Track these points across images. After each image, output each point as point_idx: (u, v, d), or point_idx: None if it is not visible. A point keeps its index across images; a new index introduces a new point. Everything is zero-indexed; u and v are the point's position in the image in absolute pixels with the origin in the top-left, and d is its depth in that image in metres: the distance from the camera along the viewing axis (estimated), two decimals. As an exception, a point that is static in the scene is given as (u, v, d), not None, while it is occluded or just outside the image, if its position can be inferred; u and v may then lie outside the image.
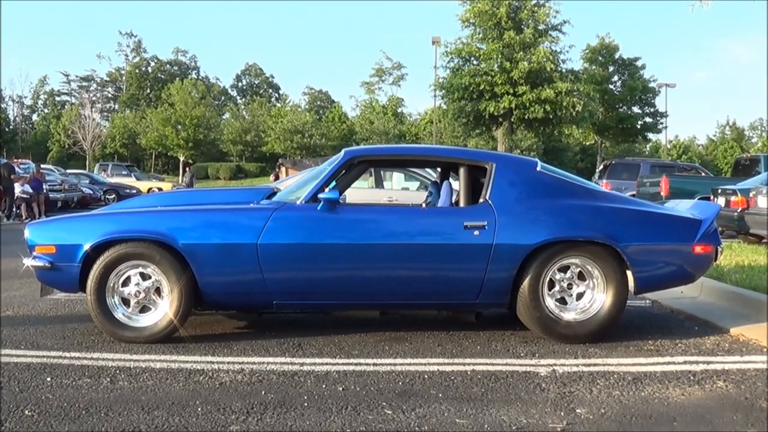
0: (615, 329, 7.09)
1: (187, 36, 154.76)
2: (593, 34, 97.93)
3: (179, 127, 77.39)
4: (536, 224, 6.84)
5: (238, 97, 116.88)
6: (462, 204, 7.24)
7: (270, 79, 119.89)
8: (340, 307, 7.57)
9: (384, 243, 6.78)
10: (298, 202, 6.92)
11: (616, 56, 59.97)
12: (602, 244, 6.85)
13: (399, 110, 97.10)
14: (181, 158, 76.70)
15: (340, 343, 6.87)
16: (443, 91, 45.64)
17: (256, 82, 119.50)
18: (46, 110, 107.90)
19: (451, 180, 7.89)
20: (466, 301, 6.96)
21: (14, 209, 25.94)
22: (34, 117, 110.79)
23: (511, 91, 42.47)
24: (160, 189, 42.71)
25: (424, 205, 8.35)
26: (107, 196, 38.85)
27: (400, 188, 18.92)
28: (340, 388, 5.46)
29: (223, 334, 7.23)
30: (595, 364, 6.21)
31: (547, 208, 6.94)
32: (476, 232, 6.74)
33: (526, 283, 6.80)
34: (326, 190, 6.87)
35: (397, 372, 5.90)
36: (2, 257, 13.76)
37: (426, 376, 5.78)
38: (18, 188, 26.08)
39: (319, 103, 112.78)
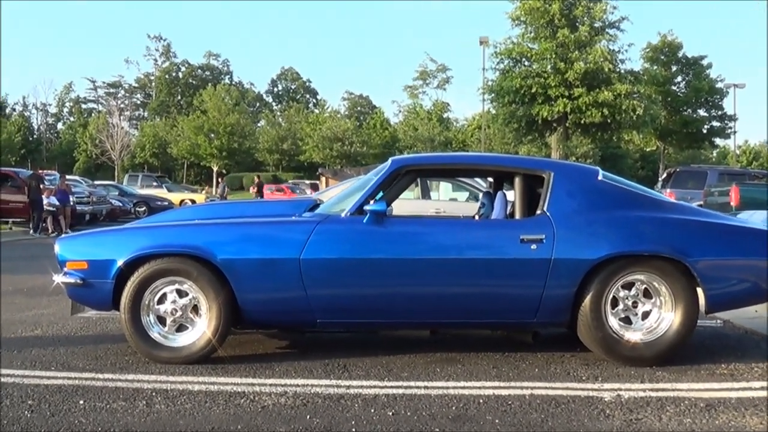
0: (684, 351, 7.02)
1: (220, 39, 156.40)
2: (654, 31, 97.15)
3: (212, 135, 78.10)
4: (598, 237, 6.79)
5: (273, 103, 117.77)
6: (517, 216, 7.21)
7: (307, 84, 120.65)
8: (388, 326, 7.58)
9: (434, 258, 6.78)
10: (343, 215, 6.94)
11: (680, 55, 59.16)
12: (670, 259, 6.77)
13: (445, 116, 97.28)
14: (215, 168, 77.36)
15: (389, 364, 6.88)
16: (492, 94, 45.59)
17: (293, 87, 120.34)
18: (71, 118, 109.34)
19: (504, 190, 7.88)
20: (522, 320, 6.93)
21: (41, 222, 26.23)
22: (60, 125, 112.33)
23: (566, 93, 42.34)
24: (193, 201, 43.03)
25: (476, 217, 8.34)
26: (137, 209, 39.18)
27: (447, 199, 18.88)
28: (390, 413, 5.46)
29: (265, 355, 7.27)
30: (663, 389, 6.15)
31: (610, 220, 6.89)
32: (533, 246, 6.71)
33: (587, 300, 6.75)
34: (372, 201, 6.89)
35: (450, 396, 5.89)
36: (30, 273, 13.95)
37: (481, 401, 5.76)
38: (43, 200, 26.44)
39: (359, 108, 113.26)
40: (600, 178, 7.24)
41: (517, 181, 7.29)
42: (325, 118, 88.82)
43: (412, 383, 6.23)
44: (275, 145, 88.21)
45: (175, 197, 44.54)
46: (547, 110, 42.67)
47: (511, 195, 7.52)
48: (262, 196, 42.72)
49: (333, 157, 79.33)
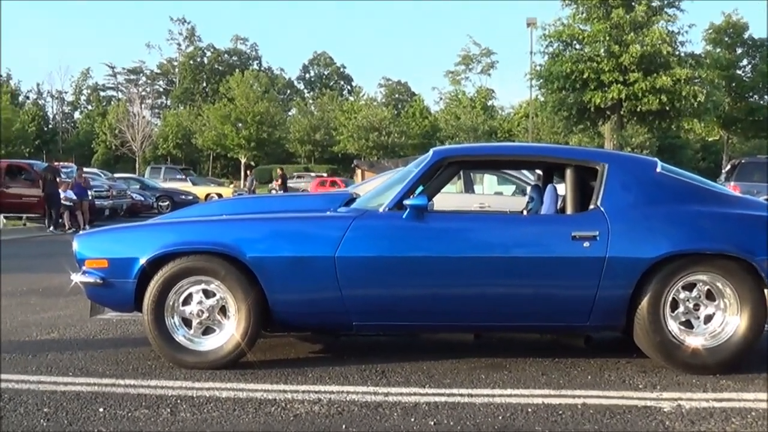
0: (751, 358, 6.95)
1: (248, 22, 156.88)
2: (717, 11, 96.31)
3: (240, 124, 78.34)
4: (656, 234, 6.74)
5: (305, 91, 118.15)
6: (569, 211, 7.18)
7: (341, 70, 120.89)
8: (429, 329, 7.60)
9: (478, 256, 6.77)
10: (381, 210, 6.95)
11: (745, 36, 58.53)
12: (735, 258, 6.71)
13: (489, 103, 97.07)
14: (243, 160, 77.63)
15: (430, 370, 6.88)
16: (540, 80, 45.43)
17: (326, 73, 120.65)
18: (89, 107, 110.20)
19: (555, 183, 7.85)
20: (574, 323, 6.91)
21: (58, 218, 26.42)
22: (77, 115, 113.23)
23: (621, 79, 42.10)
24: (219, 195, 43.19)
25: (524, 212, 8.32)
26: (160, 204, 39.42)
27: (492, 193, 18.84)
28: (432, 422, 5.46)
29: (297, 359, 7.31)
30: (728, 399, 6.10)
31: (670, 215, 6.84)
32: (586, 244, 6.68)
33: (644, 302, 6.70)
34: (412, 195, 6.90)
35: (496, 405, 5.88)
36: (46, 272, 14.09)
37: (529, 410, 5.75)
38: (60, 194, 26.60)
39: (397, 96, 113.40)
40: (658, 170, 7.20)
41: (568, 173, 7.26)
42: (361, 106, 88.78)
43: (454, 390, 6.23)
44: (307, 136, 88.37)
45: (200, 191, 44.78)
46: (600, 97, 42.46)
47: (561, 189, 7.49)
48: (285, 190, 42.57)
49: (369, 148, 79.37)
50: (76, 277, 7.08)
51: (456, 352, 7.54)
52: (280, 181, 44.68)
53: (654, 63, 41.93)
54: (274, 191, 45.15)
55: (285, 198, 9.58)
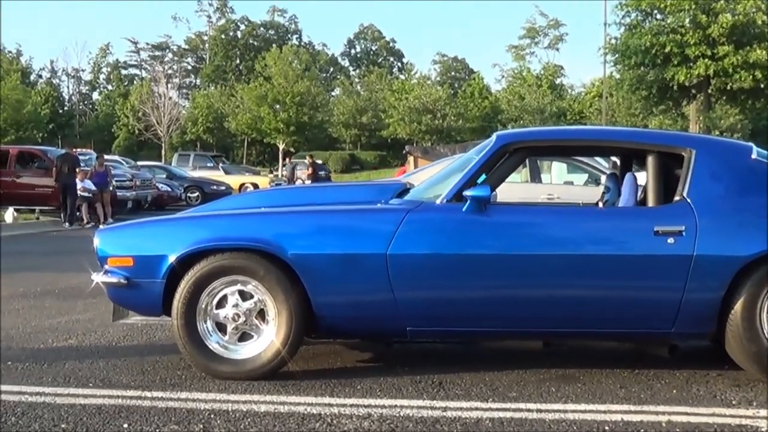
0: None
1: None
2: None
3: (277, 106, 78.38)
4: (751, 229, 6.67)
5: (350, 68, 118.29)
6: (650, 203, 7.14)
7: (391, 45, 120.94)
8: (492, 336, 7.57)
9: (548, 254, 6.75)
10: (438, 202, 6.95)
11: None
12: (841, 255, 6.63)
13: (557, 81, 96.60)
14: (281, 146, 77.73)
15: (493, 382, 6.87)
16: (616, 55, 45.17)
17: (374, 48, 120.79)
18: (109, 87, 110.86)
19: (634, 172, 7.79)
20: (657, 329, 6.87)
21: (75, 211, 26.65)
22: (95, 95, 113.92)
23: (708, 53, 41.71)
24: (255, 185, 43.33)
25: (600, 205, 8.28)
26: (189, 195, 39.66)
27: (562, 182, 18.77)
28: (496, 441, 5.46)
29: (344, 369, 7.33)
30: (833, 415, 6.05)
31: (766, 207, 6.78)
32: (670, 240, 6.63)
33: (737, 307, 6.63)
34: (473, 185, 6.88)
35: (569, 421, 5.86)
36: (62, 271, 14.21)
37: (606, 428, 5.73)
38: (77, 185, 26.70)
39: (453, 73, 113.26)
40: (753, 156, 7.13)
41: (650, 160, 7.21)
42: (413, 85, 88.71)
43: (521, 405, 6.22)
44: (352, 119, 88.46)
45: (233, 181, 44.94)
46: (684, 74, 42.10)
47: (641, 177, 7.44)
48: (315, 180, 42.14)
49: (422, 133, 79.26)
50: (97, 277, 7.15)
51: (522, 361, 7.53)
52: (310, 170, 43.89)
53: (747, 34, 41.51)
54: (300, 181, 44.64)
55: (329, 188, 9.57)
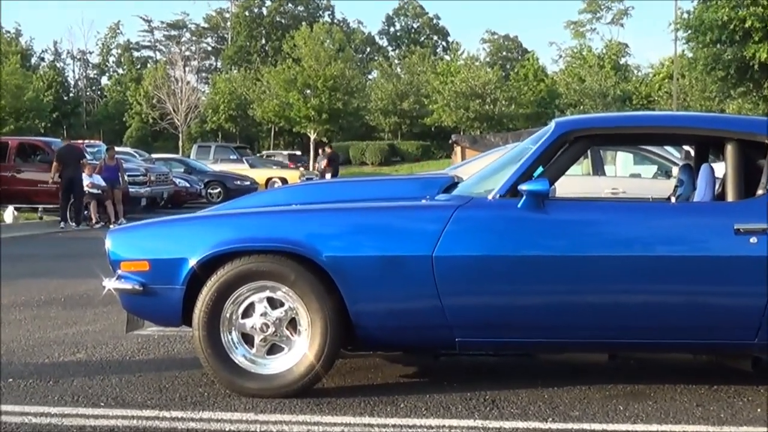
0: None
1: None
2: None
3: (308, 91, 78.44)
4: None
5: (389, 49, 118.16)
6: (730, 197, 7.10)
7: (434, 22, 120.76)
8: (551, 348, 7.53)
9: (613, 255, 6.72)
10: (490, 197, 6.94)
11: None
12: None
13: (622, 61, 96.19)
14: (312, 136, 77.79)
15: (552, 399, 6.87)
16: (689, 31, 44.89)
17: (415, 25, 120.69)
18: (120, 71, 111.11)
19: (711, 163, 7.75)
20: (737, 340, 6.82)
21: (83, 210, 26.69)
22: (104, 80, 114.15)
23: (795, 28, 41.35)
24: (284, 180, 43.38)
25: (672, 200, 8.24)
26: (210, 191, 39.83)
27: (628, 175, 18.71)
28: (556, 466, 5.45)
29: (385, 386, 7.34)
30: None
31: None
32: (753, 239, 6.58)
33: (830, 314, 6.60)
34: (530, 179, 6.85)
35: (639, 443, 5.85)
36: (69, 277, 14.25)
37: (681, 451, 5.71)
38: (85, 180, 26.72)
39: (505, 53, 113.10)
40: None
41: (729, 149, 7.17)
42: (459, 67, 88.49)
43: (585, 425, 6.22)
44: (392, 105, 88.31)
45: (259, 175, 45.16)
46: (766, 51, 41.75)
47: (719, 169, 7.40)
48: (335, 174, 41.28)
49: (470, 120, 79.16)
50: (109, 283, 7.18)
51: (585, 376, 7.51)
52: (326, 162, 42.78)
53: (839, 7, 41.12)
54: (316, 176, 43.63)
55: (368, 183, 9.54)
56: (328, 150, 43.23)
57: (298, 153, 61.44)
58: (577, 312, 6.80)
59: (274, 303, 6.90)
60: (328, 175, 38.91)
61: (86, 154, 28.37)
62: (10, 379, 7.56)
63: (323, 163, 41.93)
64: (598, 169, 17.50)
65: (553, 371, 7.80)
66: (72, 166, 26.16)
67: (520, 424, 6.22)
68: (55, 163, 26.25)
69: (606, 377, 7.47)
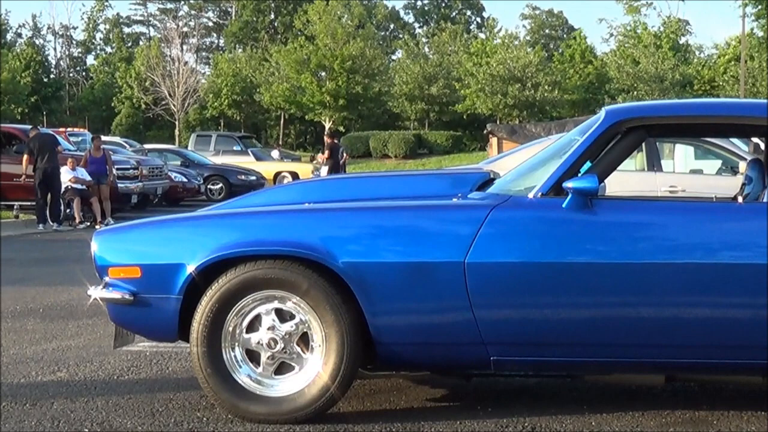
0: None
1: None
2: None
3: (323, 74, 78.48)
4: None
5: (416, 25, 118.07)
6: (807, 197, 7.08)
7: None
8: (599, 369, 7.42)
9: (671, 264, 6.67)
10: (530, 196, 6.92)
11: None
12: None
13: (682, 41, 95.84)
14: (327, 124, 77.75)
15: (601, 427, 6.88)
16: (759, 6, 44.84)
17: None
18: (108, 49, 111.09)
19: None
20: (817, 361, 6.79)
21: (62, 207, 26.57)
22: (90, 60, 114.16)
23: None
24: (295, 175, 43.35)
25: (739, 199, 8.21)
26: (210, 186, 39.82)
27: (688, 171, 18.70)
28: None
29: (410, 410, 7.34)
30: None
31: None
32: (834, 245, 6.56)
33: None
34: (577, 175, 6.84)
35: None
36: (49, 284, 14.20)
37: (748, 487, 5.70)
38: (67, 174, 26.61)
39: (548, 31, 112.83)
40: None
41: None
42: (496, 46, 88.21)
43: (638, 458, 6.21)
44: (419, 89, 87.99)
45: (267, 169, 45.19)
46: None
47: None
48: (338, 169, 40.69)
49: (508, 107, 79.01)
50: (95, 292, 7.17)
51: (638, 401, 7.52)
52: (328, 153, 42.03)
53: None
54: (315, 172, 43.05)
55: (391, 179, 9.51)
56: (327, 140, 42.86)
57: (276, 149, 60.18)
58: (630, 328, 6.76)
59: (283, 315, 6.89)
60: (325, 170, 38.63)
61: (67, 144, 28.18)
62: (-19, 402, 7.57)
63: (321, 156, 41.71)
64: (654, 164, 17.47)
65: (601, 395, 7.80)
66: (46, 157, 25.76)
67: (565, 456, 6.23)
68: (26, 156, 26.09)
69: (662, 402, 7.47)
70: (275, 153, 52.56)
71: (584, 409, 7.24)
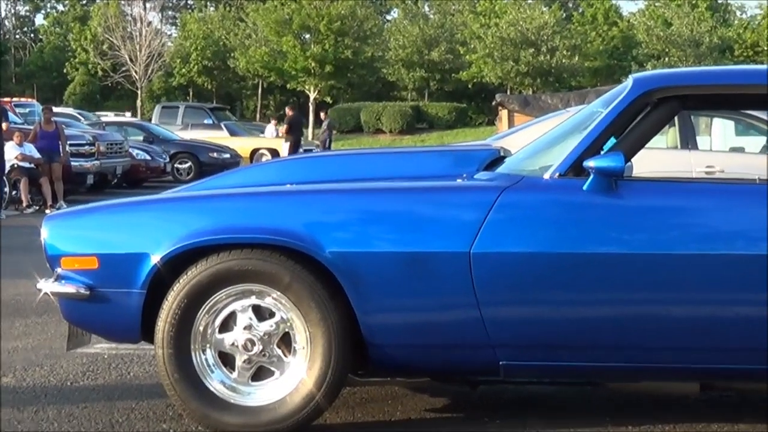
0: None
1: None
2: None
3: (307, 36, 78.39)
4: None
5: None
6: None
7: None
8: (624, 375, 7.38)
9: (709, 255, 6.65)
10: (546, 177, 6.89)
11: None
12: None
13: (720, 0, 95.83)
14: (312, 94, 77.74)
15: (626, 442, 6.88)
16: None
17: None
18: (60, 7, 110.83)
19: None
20: None
21: (5, 189, 26.04)
22: (40, 20, 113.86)
23: None
24: (275, 152, 43.32)
25: (786, 182, 8.23)
26: (177, 165, 39.76)
27: (727, 149, 18.71)
28: None
29: (407, 422, 7.37)
30: None
31: None
32: None
33: None
34: (600, 152, 6.82)
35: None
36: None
37: None
38: (13, 151, 26.24)
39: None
40: None
41: None
42: (506, 5, 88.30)
43: (668, 477, 6.22)
44: (417, 55, 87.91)
45: (242, 145, 45.19)
46: None
47: None
48: (299, 145, 40.23)
49: (520, 75, 79.05)
50: (46, 286, 7.12)
51: (669, 412, 7.53)
52: (287, 127, 42.47)
53: None
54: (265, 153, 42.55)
55: (386, 157, 9.48)
56: (289, 111, 42.52)
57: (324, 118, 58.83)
58: (660, 328, 6.74)
59: (261, 313, 6.87)
60: (286, 147, 38.45)
61: (14, 116, 28.03)
62: None
63: (282, 128, 41.34)
64: (688, 140, 17.43)
65: (625, 406, 7.81)
66: None
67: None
68: None
69: (696, 413, 7.49)
70: (270, 129, 51.93)
71: (606, 422, 7.26)
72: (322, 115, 54.66)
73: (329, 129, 48.57)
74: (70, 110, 47.39)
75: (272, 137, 48.61)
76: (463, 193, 7.08)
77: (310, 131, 68.45)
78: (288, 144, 38.61)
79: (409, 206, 7.01)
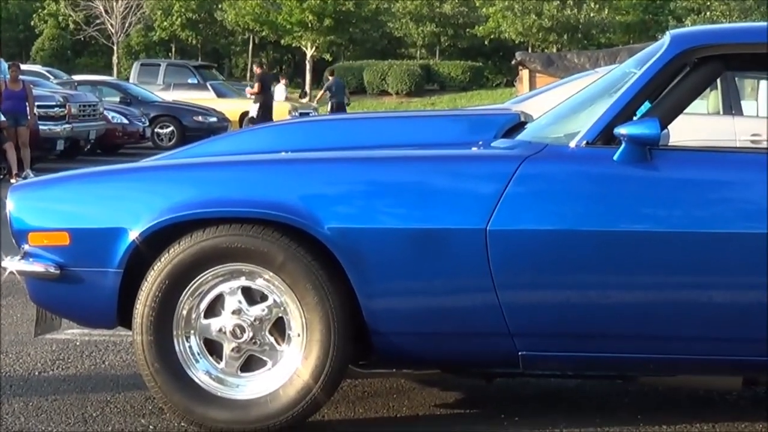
0: None
1: None
2: None
3: (303, -13, 78.38)
4: None
5: None
6: None
7: None
8: (658, 368, 7.34)
9: (754, 234, 6.60)
10: (572, 145, 6.86)
11: None
12: None
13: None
14: (309, 52, 77.63)
15: (661, 443, 6.89)
16: None
17: None
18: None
19: None
20: None
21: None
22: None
23: None
24: (266, 115, 43.26)
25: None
26: (158, 130, 39.73)
27: (776, 115, 18.68)
28: None
29: (415, 419, 7.38)
30: None
31: None
32: None
33: None
34: (633, 118, 6.79)
35: None
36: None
37: None
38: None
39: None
40: None
41: None
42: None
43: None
44: (428, 8, 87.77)
45: (231, 108, 45.19)
46: None
47: None
48: (270, 107, 40.12)
49: (543, 31, 78.95)
50: (12, 264, 7.12)
51: (708, 409, 7.53)
52: (258, 87, 41.46)
53: None
54: (294, 113, 42.24)
55: (392, 121, 9.46)
56: (257, 70, 42.02)
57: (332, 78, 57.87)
58: (699, 315, 6.72)
59: (252, 296, 6.86)
60: (255, 108, 38.07)
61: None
62: None
63: (248, 90, 40.90)
64: (732, 105, 17.44)
65: (660, 401, 7.81)
66: None
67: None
68: None
69: (739, 411, 7.49)
70: (280, 89, 51.25)
71: (638, 420, 7.26)
72: (328, 77, 53.71)
73: (335, 90, 47.30)
74: (37, 68, 47.41)
75: (283, 100, 48.17)
76: (478, 162, 7.06)
77: (307, 91, 68.27)
78: (257, 105, 38.22)
79: (417, 177, 6.97)
